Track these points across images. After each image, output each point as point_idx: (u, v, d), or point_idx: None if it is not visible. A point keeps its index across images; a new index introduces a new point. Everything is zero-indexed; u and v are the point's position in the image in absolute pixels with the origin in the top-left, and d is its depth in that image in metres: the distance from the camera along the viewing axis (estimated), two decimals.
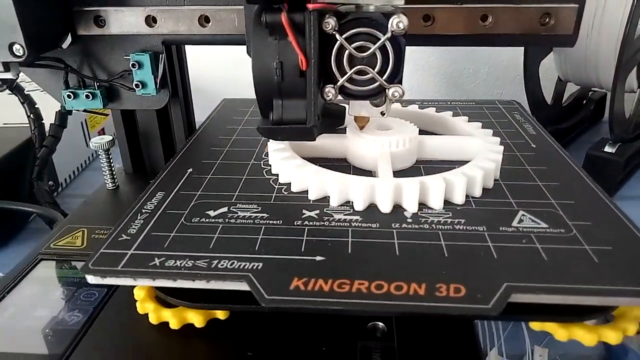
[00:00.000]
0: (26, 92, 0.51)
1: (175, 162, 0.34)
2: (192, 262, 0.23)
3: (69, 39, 0.35)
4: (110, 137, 0.39)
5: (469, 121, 0.38)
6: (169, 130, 0.42)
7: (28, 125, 0.51)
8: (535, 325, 0.24)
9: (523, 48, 0.58)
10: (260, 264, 0.23)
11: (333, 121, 0.28)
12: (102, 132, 0.67)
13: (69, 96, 0.37)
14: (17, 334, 0.26)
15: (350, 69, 0.25)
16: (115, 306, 0.28)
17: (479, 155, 0.31)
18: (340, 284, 0.22)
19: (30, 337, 0.26)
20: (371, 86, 0.26)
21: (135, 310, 0.27)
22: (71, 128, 0.53)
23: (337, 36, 0.24)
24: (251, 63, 0.25)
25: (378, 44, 0.25)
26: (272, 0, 0.24)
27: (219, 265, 0.23)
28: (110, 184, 0.40)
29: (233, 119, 0.42)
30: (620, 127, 0.54)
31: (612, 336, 0.23)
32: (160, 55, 0.36)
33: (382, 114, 0.28)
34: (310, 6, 0.23)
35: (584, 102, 0.71)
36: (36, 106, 0.51)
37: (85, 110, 0.38)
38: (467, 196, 0.29)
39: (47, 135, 0.51)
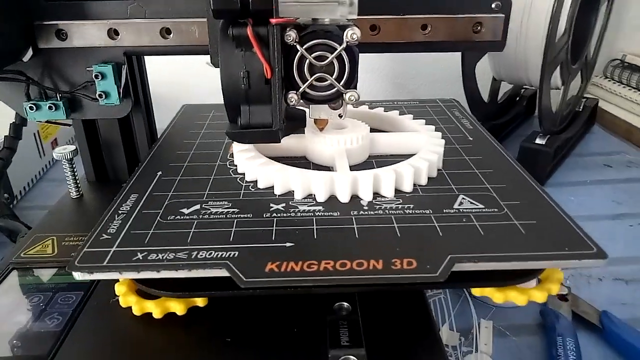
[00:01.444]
0: None
1: (144, 165, 0.36)
2: (173, 254, 0.25)
3: (30, 53, 0.36)
4: (74, 147, 0.40)
5: (413, 119, 0.41)
6: (131, 138, 0.43)
7: None
8: (476, 291, 0.28)
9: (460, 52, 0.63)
10: (237, 252, 0.25)
11: (295, 124, 0.31)
12: (55, 142, 0.67)
13: (31, 108, 0.38)
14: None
15: (311, 77, 0.28)
16: (94, 307, 0.29)
17: (424, 148, 0.35)
18: (309, 264, 0.24)
19: (12, 341, 0.27)
20: (330, 91, 0.29)
21: (114, 308, 0.28)
22: (24, 139, 0.52)
23: (298, 47, 0.27)
24: (220, 73, 0.28)
25: (335, 53, 0.28)
26: (238, 15, 0.26)
27: (199, 256, 0.25)
28: (74, 192, 0.41)
29: (195, 123, 0.44)
30: (549, 120, 0.60)
31: (539, 295, 0.27)
32: (123, 66, 0.37)
33: (340, 116, 0.31)
34: (273, 21, 0.25)
35: (517, 99, 0.77)
36: None
37: (47, 121, 0.39)
38: (414, 185, 0.32)
39: (1, 147, 0.51)
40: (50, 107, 0.38)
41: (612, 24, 0.74)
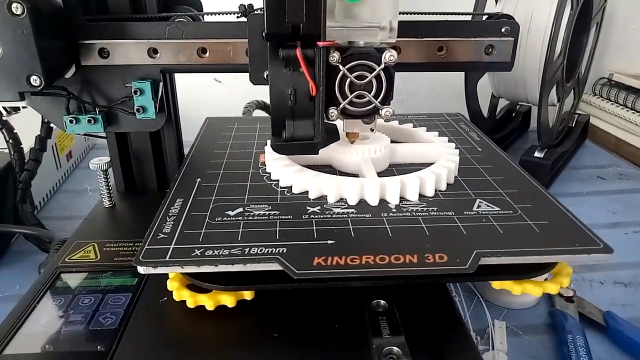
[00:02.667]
0: (4, 118, 0.52)
1: (182, 173, 0.38)
2: (228, 250, 0.28)
3: (72, 70, 0.38)
4: (109, 159, 0.42)
5: (427, 131, 0.44)
6: (161, 150, 0.45)
7: (6, 150, 0.52)
8: (496, 284, 0.31)
9: None
10: (285, 249, 0.28)
11: (330, 137, 0.34)
12: (69, 155, 0.68)
13: (71, 121, 0.40)
14: (59, 336, 0.29)
15: (351, 94, 0.31)
16: (145, 306, 0.31)
17: (441, 157, 0.38)
18: (352, 259, 0.27)
19: (72, 338, 0.29)
20: (367, 107, 0.32)
21: (163, 307, 0.31)
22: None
23: (341, 67, 0.30)
24: (269, 90, 0.30)
25: (374, 73, 0.30)
26: (287, 38, 0.29)
27: (251, 252, 0.28)
28: (107, 201, 0.43)
29: (222, 134, 0.47)
30: (546, 135, 0.63)
31: (552, 287, 0.30)
32: (160, 83, 0.40)
33: (372, 130, 0.34)
34: (320, 44, 0.28)
35: (513, 114, 0.81)
36: (14, 131, 0.52)
37: (85, 134, 0.41)
38: (435, 190, 0.35)
39: (27, 159, 0.52)
40: (89, 121, 0.40)
41: (600, 45, 0.79)
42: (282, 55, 0.29)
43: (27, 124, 0.54)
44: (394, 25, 0.30)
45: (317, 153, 0.32)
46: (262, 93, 0.68)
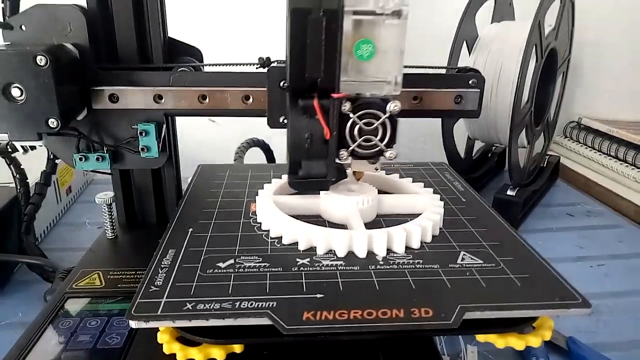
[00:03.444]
0: (13, 155, 0.56)
1: (175, 222, 0.39)
2: (219, 304, 0.28)
3: (84, 112, 0.42)
4: (113, 194, 0.46)
5: (413, 181, 0.46)
6: (161, 187, 0.49)
7: (12, 184, 0.56)
8: (480, 337, 0.32)
9: None
10: (274, 303, 0.28)
11: (339, 175, 0.37)
12: (69, 189, 0.72)
13: (80, 159, 0.43)
14: (69, 355, 0.32)
15: (359, 138, 0.35)
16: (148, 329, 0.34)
17: (427, 210, 0.39)
18: (340, 313, 0.28)
19: (81, 356, 0.32)
20: (373, 150, 0.36)
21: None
22: None
23: (351, 115, 0.34)
24: (289, 135, 0.35)
25: (380, 120, 0.35)
26: (306, 90, 0.33)
27: (242, 306, 0.28)
28: (110, 233, 0.46)
29: (214, 182, 0.48)
30: (517, 174, 0.68)
31: (534, 341, 0.30)
32: (163, 125, 0.44)
33: (376, 169, 0.38)
34: (335, 95, 0.33)
35: (489, 155, 0.86)
36: (21, 167, 0.56)
37: (93, 171, 0.45)
38: (421, 242, 0.36)
39: (31, 193, 0.56)
40: (97, 159, 0.44)
41: (568, 92, 0.85)
42: (301, 105, 0.33)
43: (29, 160, 0.58)
44: (398, 80, 0.34)
45: (328, 189, 0.37)
46: (254, 133, 0.73)
